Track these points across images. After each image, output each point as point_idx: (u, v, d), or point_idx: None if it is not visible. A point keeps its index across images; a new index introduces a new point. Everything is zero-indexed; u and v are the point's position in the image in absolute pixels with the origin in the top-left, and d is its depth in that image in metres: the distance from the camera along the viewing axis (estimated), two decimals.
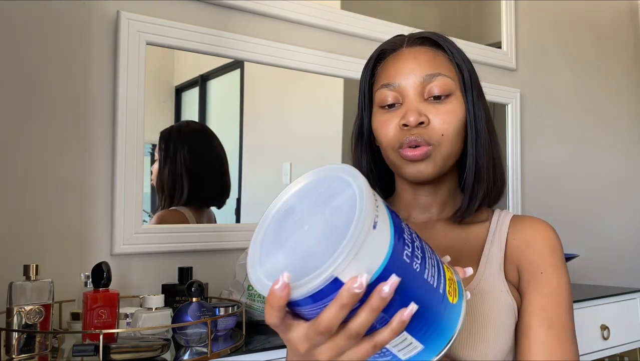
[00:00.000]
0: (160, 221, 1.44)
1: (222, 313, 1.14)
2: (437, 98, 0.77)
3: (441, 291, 0.51)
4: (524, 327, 0.74)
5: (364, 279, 0.44)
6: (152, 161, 1.45)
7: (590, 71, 2.57)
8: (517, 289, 0.78)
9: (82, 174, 1.32)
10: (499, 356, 0.72)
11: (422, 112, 0.76)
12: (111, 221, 1.34)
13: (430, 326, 0.51)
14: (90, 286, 1.11)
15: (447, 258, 0.61)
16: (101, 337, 0.92)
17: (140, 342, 0.99)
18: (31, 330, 0.98)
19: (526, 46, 2.31)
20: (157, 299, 1.13)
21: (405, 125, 0.75)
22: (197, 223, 1.49)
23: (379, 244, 0.46)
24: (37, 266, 1.02)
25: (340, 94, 1.76)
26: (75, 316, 1.16)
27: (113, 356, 0.93)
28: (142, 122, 1.37)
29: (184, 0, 1.48)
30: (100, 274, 1.05)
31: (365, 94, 0.84)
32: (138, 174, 1.36)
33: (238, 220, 1.56)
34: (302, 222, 0.50)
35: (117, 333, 1.01)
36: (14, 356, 0.97)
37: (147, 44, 1.39)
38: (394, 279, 0.45)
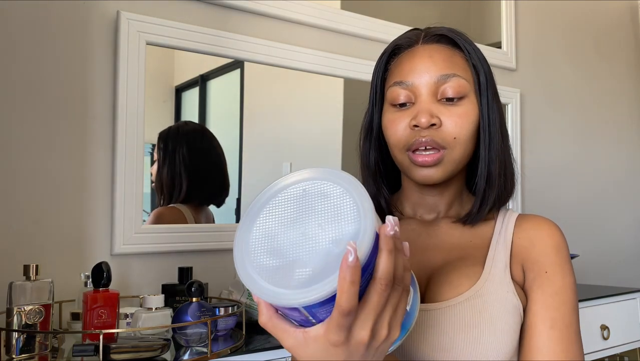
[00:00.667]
0: (158, 217, 1.44)
1: (222, 313, 1.14)
2: (450, 100, 0.75)
3: None
4: (527, 327, 0.74)
5: (392, 220, 0.48)
6: (152, 162, 1.45)
7: (590, 71, 2.57)
8: (522, 288, 0.77)
9: (82, 174, 1.32)
10: (503, 357, 0.72)
11: (435, 114, 0.74)
12: (111, 221, 1.34)
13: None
14: (90, 286, 1.11)
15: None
16: (101, 337, 0.92)
17: (140, 342, 0.99)
18: (31, 330, 0.98)
19: (526, 46, 2.31)
20: (157, 299, 1.13)
21: (416, 126, 0.74)
22: (195, 221, 1.49)
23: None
24: (37, 266, 1.02)
25: (340, 94, 1.76)
26: (75, 316, 1.16)
27: (113, 356, 0.93)
28: (142, 122, 1.37)
29: (184, 0, 1.48)
30: (100, 274, 1.05)
31: (377, 90, 0.82)
32: (138, 174, 1.36)
33: (238, 220, 1.56)
34: (298, 216, 0.51)
35: (117, 333, 1.01)
36: (14, 356, 0.97)
37: (147, 44, 1.40)
38: (392, 219, 0.49)
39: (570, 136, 2.46)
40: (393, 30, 1.78)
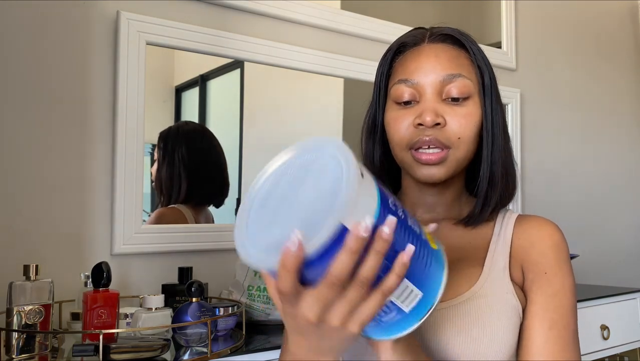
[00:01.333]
0: (159, 218, 1.44)
1: (222, 313, 1.14)
2: (455, 100, 0.75)
3: (424, 237, 0.54)
4: (525, 328, 0.74)
5: (368, 222, 0.46)
6: (152, 162, 1.45)
7: (590, 71, 2.57)
8: (522, 289, 0.77)
9: (82, 174, 1.32)
10: (502, 357, 0.72)
11: (439, 113, 0.74)
12: (111, 221, 1.34)
13: (424, 271, 0.54)
14: (90, 286, 1.11)
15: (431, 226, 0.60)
16: (101, 337, 0.92)
17: (140, 342, 0.99)
18: (31, 330, 0.98)
19: (526, 46, 2.31)
20: (157, 300, 1.13)
21: (420, 124, 0.74)
22: (195, 221, 1.49)
23: (369, 192, 0.49)
24: (37, 266, 1.02)
25: (340, 94, 1.76)
26: (75, 316, 1.16)
27: (113, 357, 0.93)
28: (142, 122, 1.37)
29: (184, 0, 1.48)
30: (100, 274, 1.05)
31: (381, 87, 0.81)
32: (138, 174, 1.36)
33: None
34: (287, 196, 0.52)
35: (117, 333, 1.01)
36: (13, 356, 0.96)
37: (147, 44, 1.39)
38: (391, 219, 0.48)
39: (571, 136, 2.46)
40: (393, 30, 1.78)
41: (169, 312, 1.14)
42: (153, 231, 1.39)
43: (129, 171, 1.35)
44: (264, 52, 1.58)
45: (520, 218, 0.82)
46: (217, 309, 1.14)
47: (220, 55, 1.52)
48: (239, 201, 1.56)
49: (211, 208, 1.54)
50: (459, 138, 0.74)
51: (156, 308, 1.12)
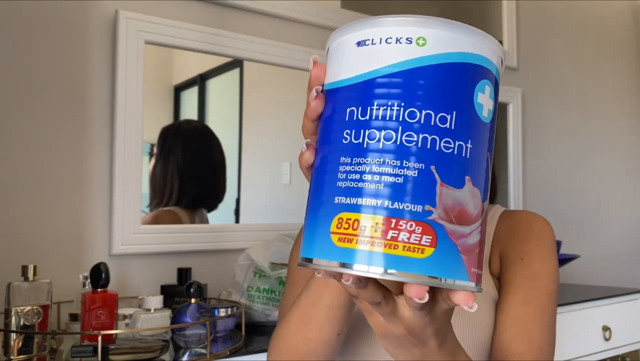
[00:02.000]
0: (154, 221, 1.43)
1: (221, 314, 1.13)
2: None
3: None
4: (500, 304, 0.73)
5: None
6: (150, 158, 1.44)
7: (591, 70, 2.56)
8: (499, 279, 0.77)
9: (80, 174, 1.31)
10: (483, 351, 0.71)
11: None
12: (110, 222, 1.33)
13: None
14: (88, 286, 1.10)
15: None
16: (100, 338, 0.92)
17: (139, 343, 0.98)
18: (29, 330, 0.97)
19: (527, 45, 2.30)
20: (156, 300, 1.13)
21: None
22: (190, 223, 1.48)
23: None
24: (35, 266, 1.01)
25: None
26: (73, 317, 1.16)
27: (112, 358, 0.93)
28: (140, 122, 1.37)
29: None
30: (99, 275, 1.04)
31: None
32: (137, 174, 1.36)
33: (237, 220, 1.55)
34: None
35: (116, 334, 1.01)
36: (12, 357, 0.96)
37: (146, 43, 1.39)
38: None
39: (572, 135, 2.46)
40: None
41: (167, 313, 1.14)
42: (152, 231, 1.39)
43: (128, 171, 1.34)
44: (264, 52, 1.58)
45: (506, 213, 0.82)
46: (216, 310, 1.13)
47: (219, 54, 1.52)
48: (238, 201, 1.55)
49: (207, 211, 1.53)
50: None
51: (155, 309, 1.12)
